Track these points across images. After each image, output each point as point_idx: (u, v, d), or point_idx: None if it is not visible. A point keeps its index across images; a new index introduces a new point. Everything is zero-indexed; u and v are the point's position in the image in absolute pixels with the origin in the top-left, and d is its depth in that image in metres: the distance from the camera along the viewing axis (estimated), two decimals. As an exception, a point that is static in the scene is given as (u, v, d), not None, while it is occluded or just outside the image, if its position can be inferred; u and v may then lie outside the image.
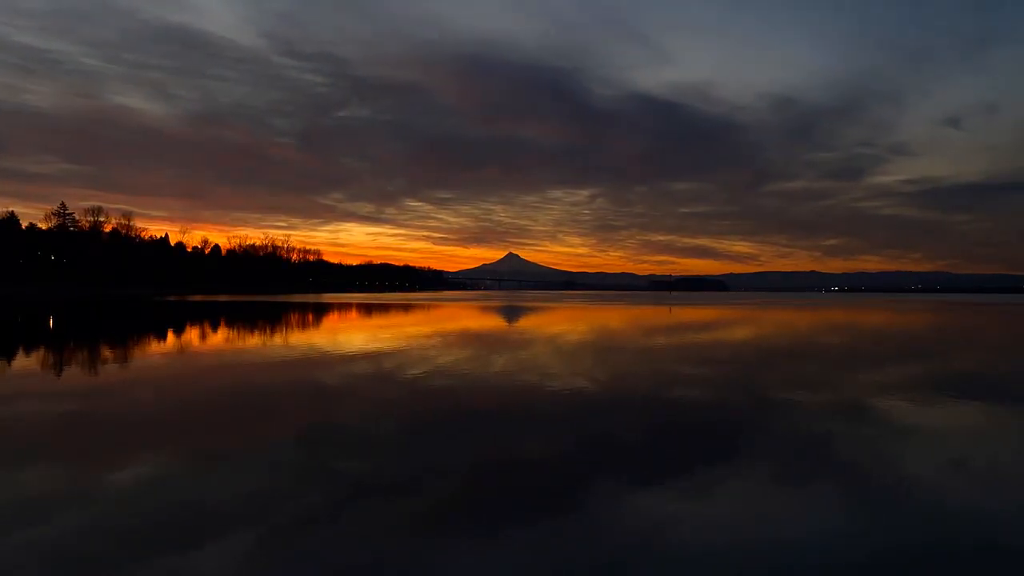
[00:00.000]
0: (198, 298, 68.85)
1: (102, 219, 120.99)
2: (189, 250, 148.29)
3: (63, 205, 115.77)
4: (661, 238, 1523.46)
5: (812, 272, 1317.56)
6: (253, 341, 19.77)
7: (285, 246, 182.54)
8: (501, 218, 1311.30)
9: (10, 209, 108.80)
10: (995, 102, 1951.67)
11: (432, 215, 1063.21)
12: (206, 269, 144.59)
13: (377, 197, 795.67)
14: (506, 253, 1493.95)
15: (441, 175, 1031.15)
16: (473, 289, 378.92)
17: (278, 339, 20.65)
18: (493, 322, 34.04)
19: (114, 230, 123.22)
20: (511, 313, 45.00)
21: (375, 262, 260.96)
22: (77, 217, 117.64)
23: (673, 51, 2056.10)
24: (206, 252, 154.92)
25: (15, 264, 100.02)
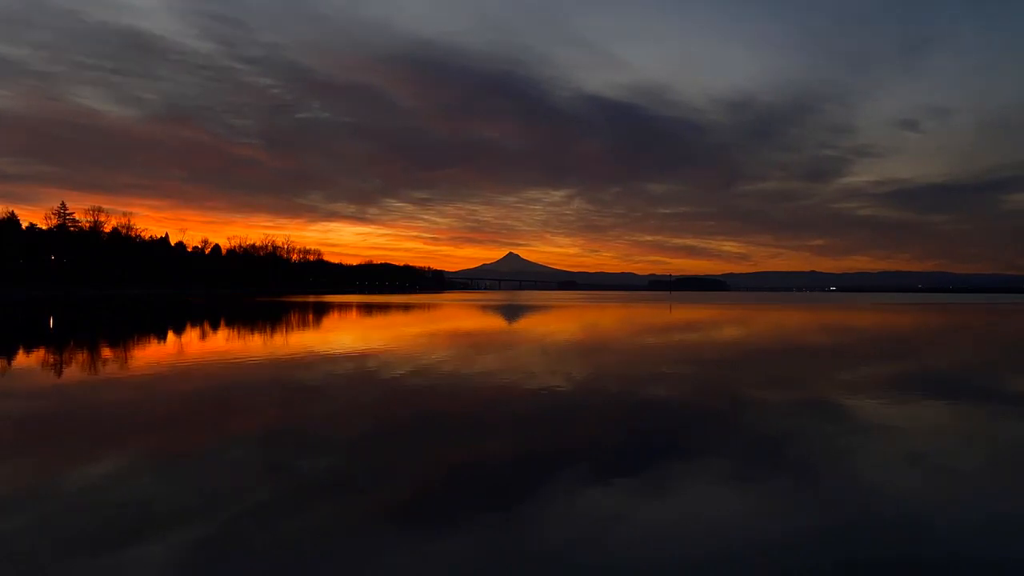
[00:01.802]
0: (195, 299, 68.83)
1: (102, 219, 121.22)
2: (190, 250, 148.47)
3: (63, 205, 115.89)
4: (650, 238, 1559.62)
5: (812, 272, 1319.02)
6: (265, 340, 20.07)
7: (285, 246, 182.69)
8: (487, 218, 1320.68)
9: (10, 209, 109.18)
10: (946, 106, 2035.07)
11: (417, 215, 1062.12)
12: (207, 269, 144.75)
13: (357, 198, 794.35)
14: (506, 253, 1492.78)
15: (414, 175, 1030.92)
16: (474, 289, 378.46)
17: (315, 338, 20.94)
18: (498, 323, 34.31)
19: (114, 230, 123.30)
20: (519, 313, 45.26)
21: (375, 262, 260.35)
22: (77, 217, 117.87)
23: (619, 56, 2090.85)
24: (206, 252, 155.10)
25: (15, 264, 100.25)
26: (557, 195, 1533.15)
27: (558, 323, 32.97)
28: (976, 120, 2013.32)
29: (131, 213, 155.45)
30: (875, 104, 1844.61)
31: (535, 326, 31.01)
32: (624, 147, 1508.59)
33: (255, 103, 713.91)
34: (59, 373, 12.37)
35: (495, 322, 34.45)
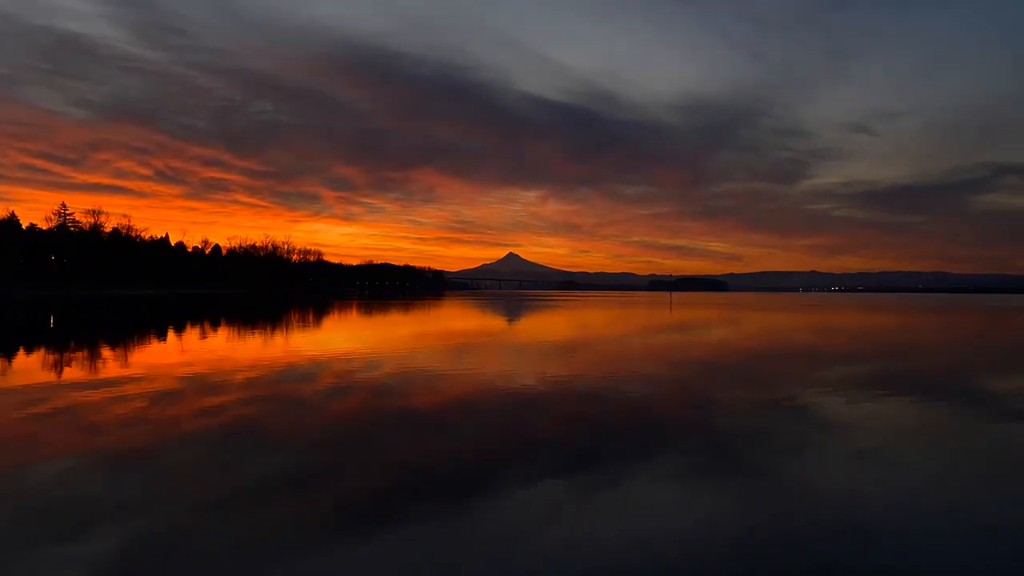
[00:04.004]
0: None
1: (102, 220, 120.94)
2: (190, 250, 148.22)
3: (63, 205, 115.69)
4: (637, 238, 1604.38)
5: (812, 272, 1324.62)
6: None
7: (285, 247, 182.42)
8: (470, 218, 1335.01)
9: (11, 209, 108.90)
10: (892, 110, 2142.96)
11: (401, 216, 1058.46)
12: (208, 269, 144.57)
13: (335, 199, 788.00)
14: (507, 253, 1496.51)
15: (385, 176, 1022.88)
16: (474, 289, 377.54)
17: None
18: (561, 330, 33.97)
19: (115, 230, 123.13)
20: (556, 320, 45.02)
21: (375, 262, 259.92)
22: (78, 217, 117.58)
23: (555, 60, 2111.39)
24: (206, 252, 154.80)
25: (15, 264, 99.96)
26: (531, 195, 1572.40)
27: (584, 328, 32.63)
28: (923, 123, 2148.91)
29: (128, 215, 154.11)
30: (818, 108, 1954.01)
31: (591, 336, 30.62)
32: (582, 149, 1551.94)
33: (206, 105, 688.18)
34: (58, 372, 12.06)
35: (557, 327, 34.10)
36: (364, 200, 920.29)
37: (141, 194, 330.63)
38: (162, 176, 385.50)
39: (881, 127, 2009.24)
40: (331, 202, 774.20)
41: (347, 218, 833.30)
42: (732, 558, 4.03)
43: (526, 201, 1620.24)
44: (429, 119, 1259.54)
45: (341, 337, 21.24)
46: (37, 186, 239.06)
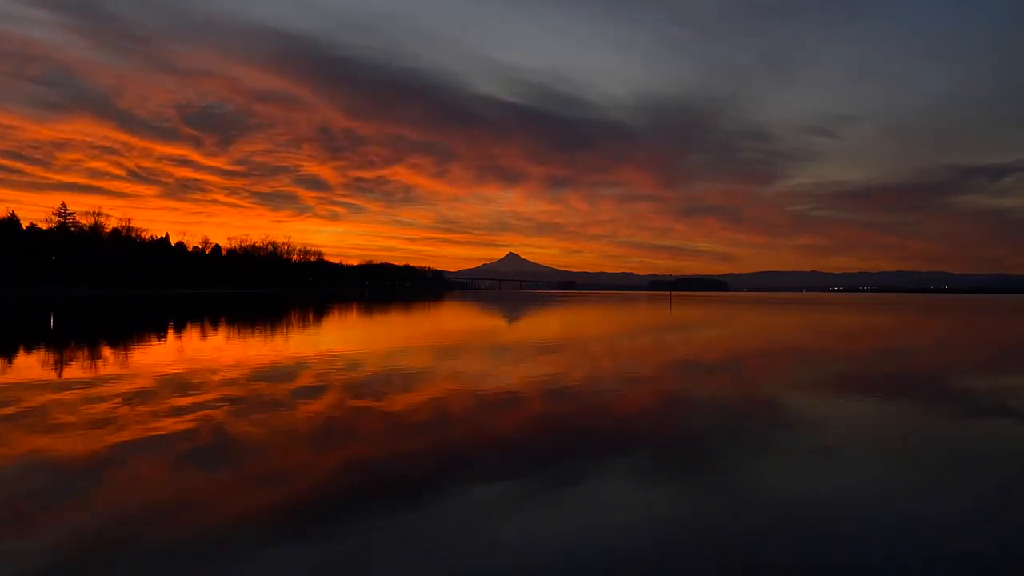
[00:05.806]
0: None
1: (103, 220, 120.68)
2: (190, 250, 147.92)
3: (64, 205, 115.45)
4: (625, 239, 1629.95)
5: (814, 272, 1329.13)
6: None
7: (286, 246, 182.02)
8: (458, 218, 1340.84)
9: (11, 210, 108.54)
10: (850, 113, 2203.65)
11: (387, 216, 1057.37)
12: (208, 269, 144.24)
13: (313, 200, 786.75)
14: (507, 253, 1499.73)
15: (358, 175, 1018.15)
16: (474, 289, 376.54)
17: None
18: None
19: (115, 230, 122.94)
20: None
21: (374, 262, 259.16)
22: (78, 218, 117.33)
23: (501, 62, 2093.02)
24: (207, 252, 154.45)
25: (15, 264, 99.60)
26: (509, 196, 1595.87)
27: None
28: (880, 126, 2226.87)
29: (126, 216, 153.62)
30: (773, 112, 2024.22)
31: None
32: (548, 149, 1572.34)
33: (166, 105, 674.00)
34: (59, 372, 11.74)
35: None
36: (344, 200, 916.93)
37: (120, 194, 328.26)
38: (136, 176, 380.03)
39: (840, 130, 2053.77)
40: (311, 202, 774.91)
41: (332, 218, 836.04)
42: (694, 556, 3.99)
43: (506, 201, 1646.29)
44: (391, 120, 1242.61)
45: (355, 338, 20.91)
46: (14, 187, 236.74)
